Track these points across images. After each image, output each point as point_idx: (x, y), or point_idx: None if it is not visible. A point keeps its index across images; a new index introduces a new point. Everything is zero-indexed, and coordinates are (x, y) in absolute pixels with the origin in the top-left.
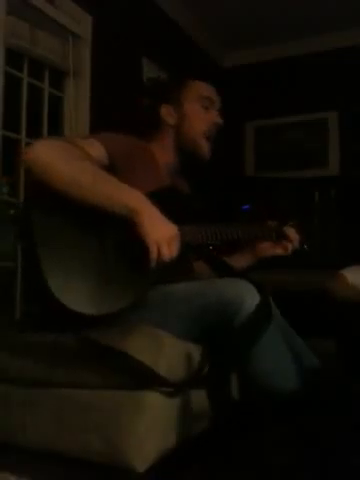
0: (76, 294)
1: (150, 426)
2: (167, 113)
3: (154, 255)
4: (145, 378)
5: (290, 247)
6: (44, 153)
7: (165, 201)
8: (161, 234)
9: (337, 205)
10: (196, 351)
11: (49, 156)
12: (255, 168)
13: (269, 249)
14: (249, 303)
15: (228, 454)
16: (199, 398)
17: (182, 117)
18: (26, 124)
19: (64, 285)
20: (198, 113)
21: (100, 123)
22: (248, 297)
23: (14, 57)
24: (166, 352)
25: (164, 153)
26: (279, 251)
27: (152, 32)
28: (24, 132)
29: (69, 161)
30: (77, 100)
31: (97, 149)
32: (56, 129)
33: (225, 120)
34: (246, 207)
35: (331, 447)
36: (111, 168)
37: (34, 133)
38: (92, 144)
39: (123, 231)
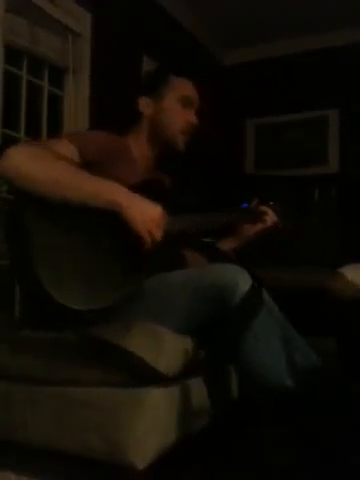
0: (71, 290)
1: (150, 424)
2: (145, 104)
3: (147, 240)
4: (145, 375)
5: (268, 220)
6: (20, 162)
7: (144, 194)
8: (147, 218)
9: (337, 203)
10: (195, 346)
11: (25, 164)
12: (255, 166)
13: (251, 228)
14: (243, 285)
15: (228, 453)
16: (198, 396)
17: (159, 110)
18: (25, 122)
19: (58, 282)
20: (176, 110)
21: (100, 121)
22: (242, 280)
23: (13, 55)
24: (166, 349)
25: (141, 146)
26: (259, 227)
27: (152, 30)
28: (23, 130)
29: (45, 165)
30: (77, 98)
31: (69, 149)
32: (55, 127)
33: (225, 118)
34: (245, 205)
35: (331, 447)
36: (85, 166)
37: (33, 131)
38: (64, 145)
39: (114, 225)
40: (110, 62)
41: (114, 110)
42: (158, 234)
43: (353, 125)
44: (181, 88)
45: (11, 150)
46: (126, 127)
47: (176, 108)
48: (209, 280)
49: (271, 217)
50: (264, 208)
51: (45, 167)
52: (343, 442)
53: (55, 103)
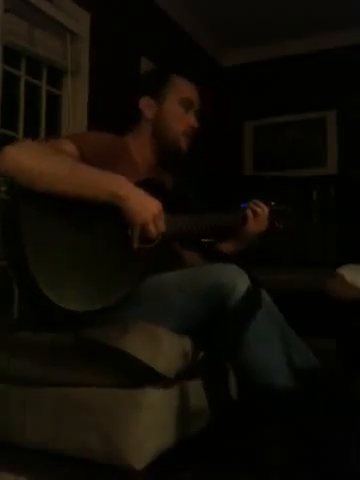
0: (67, 291)
1: (148, 425)
2: (146, 105)
3: (137, 235)
4: (142, 375)
5: (261, 218)
6: (18, 157)
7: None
8: (147, 213)
9: (335, 204)
10: (193, 346)
11: (23, 159)
12: (253, 167)
13: (249, 230)
14: (240, 286)
15: (227, 454)
16: (197, 397)
17: (160, 113)
18: (24, 122)
19: (54, 283)
20: (177, 113)
21: (98, 122)
22: (240, 280)
23: (12, 55)
24: (164, 349)
25: (141, 147)
26: (255, 228)
27: (150, 31)
28: (21, 130)
29: (44, 159)
30: (75, 98)
31: (70, 148)
32: (54, 127)
33: (224, 119)
34: (244, 206)
35: (331, 447)
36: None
37: (32, 131)
38: (65, 144)
39: (112, 225)
40: (109, 62)
41: (112, 111)
42: (156, 229)
43: (351, 126)
44: (183, 90)
45: (10, 146)
46: (126, 126)
47: (178, 111)
48: (207, 280)
49: (262, 217)
50: (257, 209)
51: (45, 161)
52: (343, 442)
53: (53, 103)
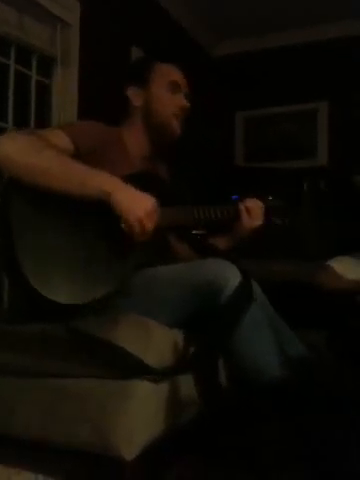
0: (56, 284)
1: (139, 416)
2: (134, 95)
3: (136, 230)
4: (133, 368)
5: (255, 213)
6: (10, 148)
7: (138, 185)
8: (139, 209)
9: (326, 195)
10: (184, 338)
11: (15, 151)
12: (245, 158)
13: (244, 226)
14: (232, 280)
15: (224, 451)
16: (188, 387)
17: (149, 100)
18: (13, 112)
19: (43, 275)
20: (165, 97)
21: (88, 111)
22: (231, 276)
23: (1, 44)
24: (155, 341)
25: (135, 137)
26: (251, 223)
27: (141, 20)
28: (11, 120)
29: (36, 153)
30: (65, 88)
31: (62, 140)
32: (43, 117)
33: (215, 110)
34: (236, 197)
35: (330, 445)
36: (79, 158)
37: (21, 121)
38: (57, 135)
39: (102, 217)
40: (99, 52)
41: (103, 100)
42: (149, 225)
43: (342, 117)
44: (167, 74)
45: (2, 137)
46: (119, 118)
47: (165, 94)
48: (198, 276)
49: (256, 212)
50: (250, 204)
51: (36, 155)
52: (341, 440)
53: (43, 93)
